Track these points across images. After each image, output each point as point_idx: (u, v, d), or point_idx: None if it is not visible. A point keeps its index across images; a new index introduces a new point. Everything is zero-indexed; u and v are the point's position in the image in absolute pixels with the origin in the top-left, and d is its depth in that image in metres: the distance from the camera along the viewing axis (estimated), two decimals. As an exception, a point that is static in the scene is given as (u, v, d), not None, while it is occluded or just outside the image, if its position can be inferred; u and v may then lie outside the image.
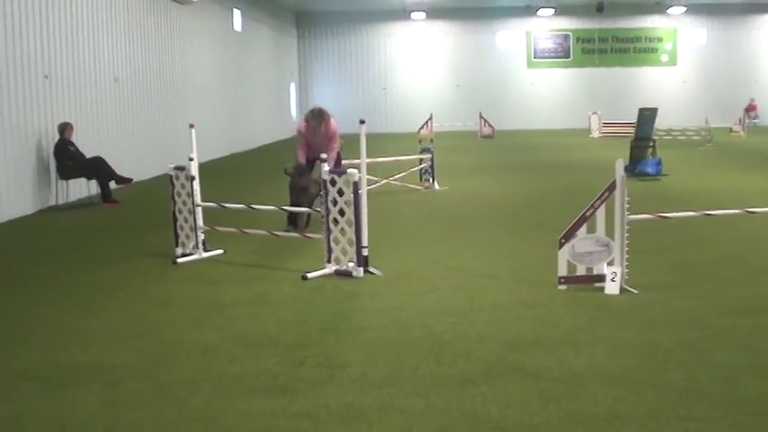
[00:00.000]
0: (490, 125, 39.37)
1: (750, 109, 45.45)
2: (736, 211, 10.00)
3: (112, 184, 16.50)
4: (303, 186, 12.10)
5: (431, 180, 18.21)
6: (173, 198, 10.56)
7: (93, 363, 6.42)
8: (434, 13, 45.55)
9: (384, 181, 17.38)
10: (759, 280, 8.95)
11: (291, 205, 11.81)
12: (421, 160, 18.40)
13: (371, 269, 9.35)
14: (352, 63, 46.99)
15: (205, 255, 10.49)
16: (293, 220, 12.17)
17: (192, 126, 10.86)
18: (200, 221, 10.48)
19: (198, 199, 10.44)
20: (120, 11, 20.09)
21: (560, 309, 7.80)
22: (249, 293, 8.61)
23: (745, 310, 7.70)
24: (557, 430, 5.05)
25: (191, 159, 10.37)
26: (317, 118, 12.42)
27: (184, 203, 10.45)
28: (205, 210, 10.67)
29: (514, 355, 6.42)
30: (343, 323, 7.40)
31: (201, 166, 11.06)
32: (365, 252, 9.29)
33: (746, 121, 40.45)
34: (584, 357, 6.34)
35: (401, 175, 17.97)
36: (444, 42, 46.90)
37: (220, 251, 10.71)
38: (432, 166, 18.22)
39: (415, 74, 46.89)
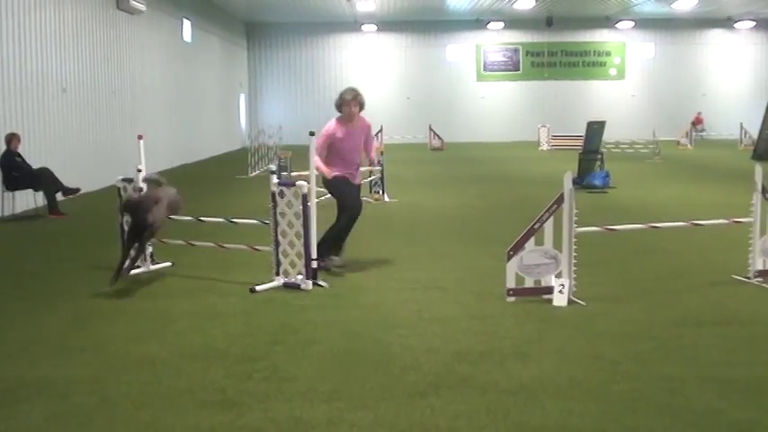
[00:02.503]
0: (440, 138, 39.48)
1: (697, 122, 46.02)
2: (683, 223, 10.14)
3: (59, 196, 16.32)
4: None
5: (381, 192, 18.23)
6: (120, 210, 10.47)
7: (39, 377, 6.34)
8: (385, 26, 45.66)
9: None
10: (704, 292, 9.06)
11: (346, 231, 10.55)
12: (371, 172, 18.40)
13: (320, 282, 9.34)
14: (302, 74, 46.92)
15: (153, 267, 10.41)
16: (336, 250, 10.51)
17: (140, 137, 10.79)
18: (147, 233, 10.39)
19: (146, 211, 10.35)
20: (68, 21, 19.91)
21: (509, 321, 7.85)
22: (197, 306, 8.56)
23: (690, 322, 7.80)
24: (504, 442, 5.08)
25: (139, 171, 10.31)
26: (353, 97, 10.57)
27: (132, 215, 10.36)
28: (153, 222, 10.59)
29: (463, 368, 6.45)
30: (291, 336, 7.38)
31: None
32: (314, 265, 9.28)
33: (693, 134, 40.99)
34: (532, 369, 6.38)
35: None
36: (395, 55, 46.99)
37: (168, 263, 10.64)
38: (381, 179, 18.24)
39: (365, 86, 46.49)
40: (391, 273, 10.23)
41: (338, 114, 10.74)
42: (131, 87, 24.91)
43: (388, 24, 45.49)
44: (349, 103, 10.57)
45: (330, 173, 10.48)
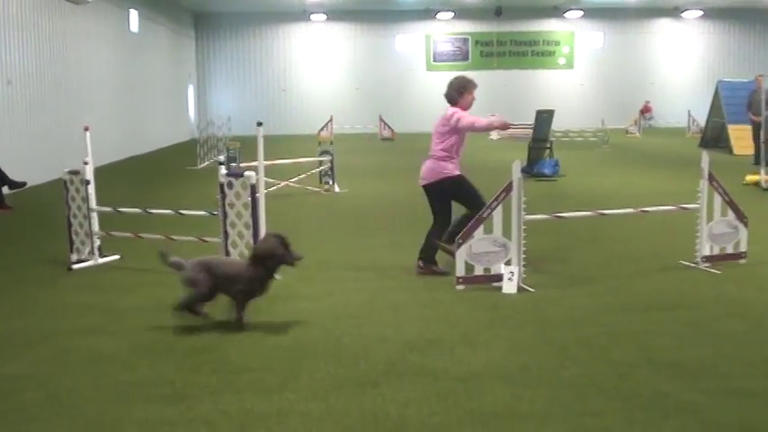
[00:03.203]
0: (390, 127, 39.49)
1: (645, 111, 46.42)
2: (631, 210, 10.22)
3: (5, 190, 16.12)
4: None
5: (331, 182, 18.21)
6: (67, 203, 10.36)
7: (-17, 372, 6.28)
8: (334, 15, 45.54)
9: (283, 183, 17.32)
10: (652, 277, 9.17)
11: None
12: (321, 162, 18.39)
13: (270, 272, 9.31)
14: (251, 64, 46.69)
15: (101, 260, 10.33)
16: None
17: (86, 129, 10.66)
18: (95, 227, 10.30)
19: (93, 204, 10.26)
20: (12, 11, 19.63)
21: (459, 308, 7.89)
22: (146, 299, 8.50)
23: (638, 307, 7.89)
24: (456, 429, 5.10)
25: (85, 163, 10.19)
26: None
27: (79, 208, 10.27)
28: (101, 214, 10.49)
29: (414, 356, 6.47)
30: (240, 328, 7.36)
31: (97, 170, 10.88)
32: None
33: (642, 122, 41.37)
34: (482, 356, 6.43)
35: (300, 177, 17.93)
36: (344, 44, 46.90)
37: (116, 256, 10.56)
38: (332, 169, 18.22)
39: (314, 76, 46.79)
40: (342, 263, 10.23)
41: (453, 106, 10.17)
42: (78, 79, 24.62)
43: (338, 14, 45.38)
44: (472, 92, 10.27)
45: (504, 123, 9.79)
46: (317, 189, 17.88)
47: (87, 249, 10.31)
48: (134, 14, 31.59)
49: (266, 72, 46.65)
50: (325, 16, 45.56)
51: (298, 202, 16.30)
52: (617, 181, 19.33)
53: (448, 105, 10.18)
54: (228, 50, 46.53)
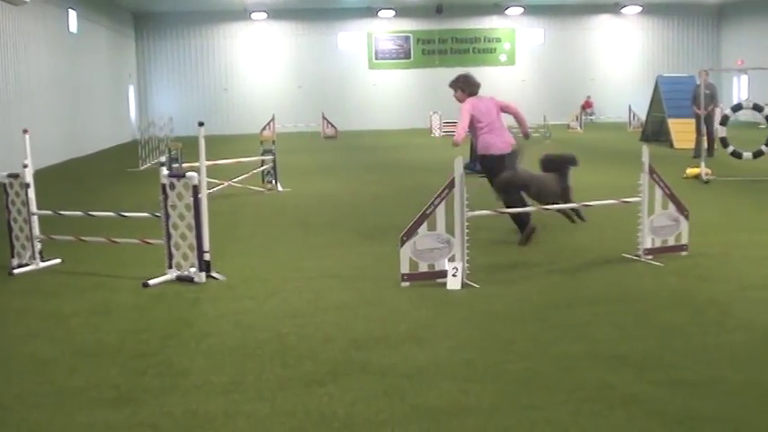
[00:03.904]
0: (333, 126, 39.47)
1: (586, 106, 46.82)
2: (573, 204, 10.31)
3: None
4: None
5: (273, 182, 18.15)
6: (7, 207, 10.23)
7: None
8: (276, 14, 45.36)
9: (226, 183, 17.24)
10: (596, 271, 9.28)
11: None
12: (263, 162, 18.33)
13: (214, 274, 9.27)
14: (192, 64, 46.37)
15: (42, 265, 10.20)
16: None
17: (25, 131, 10.54)
18: (36, 230, 10.18)
19: (33, 207, 10.14)
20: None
21: (404, 305, 7.92)
22: (89, 303, 8.42)
23: (582, 300, 7.98)
24: (403, 425, 5.12)
25: (25, 166, 10.07)
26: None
27: (19, 212, 10.13)
28: (41, 218, 10.38)
29: (360, 354, 6.49)
30: (185, 330, 7.32)
31: (37, 173, 10.76)
32: (207, 257, 9.21)
33: (583, 117, 41.70)
34: (427, 352, 6.46)
35: (243, 177, 17.85)
36: (286, 43, 46.73)
37: (58, 260, 10.43)
38: (274, 168, 18.16)
39: (256, 75, 46.58)
40: (286, 262, 10.21)
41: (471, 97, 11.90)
42: (16, 80, 24.28)
43: (279, 12, 45.21)
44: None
45: None
46: (260, 189, 17.82)
47: (28, 254, 10.17)
48: (73, 15, 31.22)
49: (208, 72, 46.37)
50: (266, 15, 45.35)
51: (241, 202, 16.24)
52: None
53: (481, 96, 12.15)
54: (169, 50, 46.18)
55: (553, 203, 10.45)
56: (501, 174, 10.81)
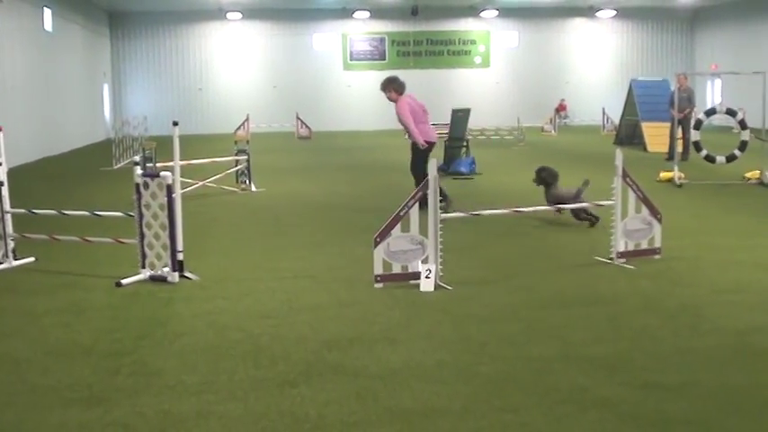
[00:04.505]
0: (307, 126, 39.39)
1: (560, 109, 47.00)
2: (547, 207, 10.35)
3: None
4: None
5: (247, 182, 18.12)
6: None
7: None
8: (251, 14, 45.26)
9: (200, 183, 17.19)
10: (569, 273, 9.31)
11: None
12: (237, 162, 18.29)
13: (187, 274, 9.25)
14: (167, 64, 46.19)
15: (15, 263, 10.14)
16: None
17: (-2, 129, 10.49)
18: (9, 229, 10.12)
19: (7, 206, 10.09)
20: None
21: (377, 307, 7.92)
22: (62, 302, 8.39)
23: (556, 303, 8.01)
24: (375, 427, 5.13)
25: (-2, 164, 10.04)
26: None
27: (-8, 210, 10.10)
28: (15, 217, 10.32)
29: (333, 355, 6.49)
30: (158, 330, 7.30)
31: (10, 171, 10.71)
32: (180, 257, 9.18)
33: (557, 120, 41.86)
34: (400, 354, 6.47)
35: (217, 177, 17.80)
36: (261, 43, 46.64)
37: (32, 259, 10.38)
38: (248, 168, 18.13)
39: (231, 74, 46.46)
40: (260, 263, 10.19)
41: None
42: (-11, 78, 24.16)
43: (254, 12, 45.11)
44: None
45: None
46: (234, 189, 17.78)
47: (1, 252, 10.11)
48: (48, 13, 31.04)
49: (182, 71, 46.22)
50: (240, 15, 45.24)
51: (214, 201, 16.20)
52: (533, 178, 19.50)
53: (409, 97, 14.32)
54: (144, 50, 45.98)
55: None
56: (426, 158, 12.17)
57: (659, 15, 48.27)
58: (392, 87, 14.01)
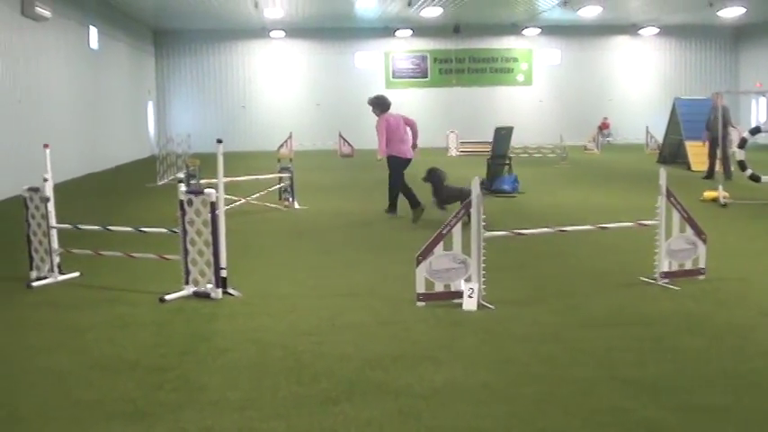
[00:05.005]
0: (350, 144, 39.50)
1: (603, 127, 46.79)
2: (590, 227, 10.29)
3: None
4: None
5: (290, 199, 18.19)
6: (27, 220, 10.27)
7: (-60, 392, 6.20)
8: (294, 33, 45.50)
9: (243, 200, 17.28)
10: (612, 294, 9.23)
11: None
12: (280, 179, 18.36)
13: (230, 290, 9.28)
14: (210, 81, 46.53)
15: (61, 278, 10.24)
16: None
17: (46, 146, 10.59)
18: (55, 244, 10.22)
19: (53, 221, 10.19)
20: (-31, 27, 19.49)
21: (419, 326, 7.90)
22: (106, 317, 8.44)
23: (599, 323, 7.94)
24: (417, 446, 5.11)
25: (45, 180, 10.12)
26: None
27: (39, 225, 10.18)
28: (60, 232, 10.41)
29: (375, 373, 6.47)
30: (201, 345, 7.33)
31: (56, 187, 10.79)
32: (223, 273, 9.22)
33: (600, 138, 41.67)
34: (443, 373, 6.43)
35: (260, 194, 17.89)
36: (304, 61, 46.86)
37: (76, 274, 10.46)
38: (291, 185, 18.20)
39: (274, 92, 46.71)
40: (302, 280, 10.21)
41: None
42: (37, 95, 24.40)
43: (297, 31, 45.35)
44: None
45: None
46: (277, 206, 17.85)
47: (47, 267, 10.21)
48: (93, 31, 31.39)
49: (226, 89, 46.53)
50: (284, 33, 45.50)
51: (258, 219, 16.27)
52: (576, 197, 19.45)
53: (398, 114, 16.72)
54: (188, 67, 46.36)
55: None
56: (400, 172, 15.80)
57: (702, 33, 47.95)
58: (377, 105, 16.39)
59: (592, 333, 7.59)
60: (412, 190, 15.75)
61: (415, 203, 15.57)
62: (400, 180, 15.92)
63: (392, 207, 16.25)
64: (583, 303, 8.80)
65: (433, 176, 15.34)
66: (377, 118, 16.17)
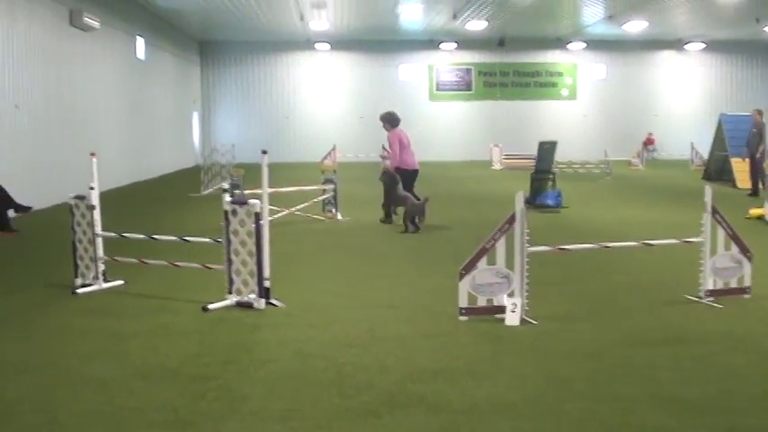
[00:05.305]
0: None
1: (648, 143, 46.53)
2: (634, 243, 10.22)
3: (11, 213, 16.12)
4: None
5: (333, 210, 18.24)
6: (72, 228, 10.39)
7: (-15, 397, 6.26)
8: (339, 45, 45.68)
9: (287, 211, 17.35)
10: (656, 311, 9.14)
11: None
12: (324, 190, 18.42)
13: (273, 301, 9.31)
14: (255, 92, 46.79)
15: (105, 285, 10.33)
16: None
17: (93, 155, 10.70)
18: (100, 252, 10.32)
19: (98, 229, 10.30)
20: (20, 36, 19.73)
21: (462, 340, 7.88)
22: (149, 325, 8.50)
23: (643, 341, 7.86)
24: (458, 461, 5.09)
25: (91, 188, 10.22)
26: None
27: (84, 233, 10.30)
28: (105, 240, 10.52)
29: (417, 387, 6.46)
30: (244, 355, 7.35)
31: (102, 195, 10.90)
32: (267, 283, 9.25)
33: (645, 154, 41.41)
34: (485, 388, 6.41)
35: (304, 205, 17.96)
36: (348, 74, 47.01)
37: (121, 282, 10.56)
38: (335, 197, 18.25)
39: (318, 104, 46.89)
40: (344, 291, 10.22)
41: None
42: (84, 104, 24.70)
43: (342, 43, 45.53)
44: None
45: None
46: (321, 217, 17.90)
47: (92, 274, 10.32)
48: (140, 42, 31.74)
49: (270, 100, 46.77)
50: (329, 45, 45.71)
51: (301, 229, 16.33)
52: (620, 213, 19.33)
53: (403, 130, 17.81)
54: (233, 78, 46.64)
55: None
56: (407, 183, 16.79)
57: (749, 48, 47.57)
58: (386, 120, 17.78)
59: (635, 351, 7.53)
60: (395, 208, 17.23)
61: (387, 216, 17.29)
62: (403, 189, 16.70)
63: (408, 222, 16.67)
64: (626, 321, 8.73)
65: (387, 177, 16.71)
66: (387, 133, 17.75)
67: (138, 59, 31.55)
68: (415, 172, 17.58)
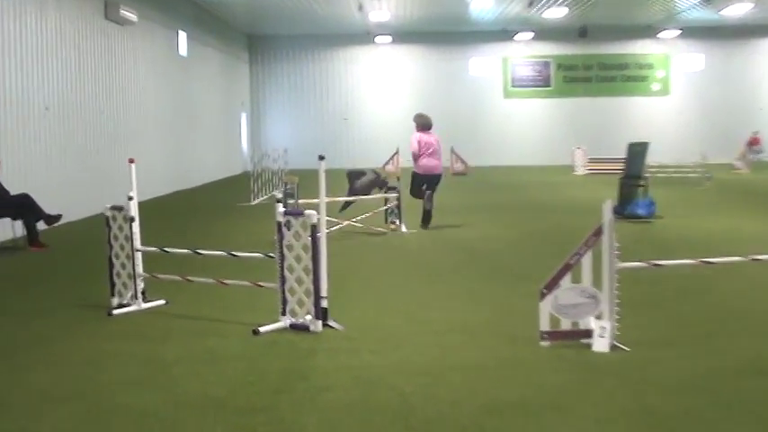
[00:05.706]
0: (463, 161, 39.51)
1: (753, 143, 45.85)
2: (740, 258, 10.05)
3: (41, 225, 16.29)
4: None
5: (397, 222, 18.23)
6: (109, 242, 10.46)
7: (15, 429, 6.31)
8: (401, 37, 45.77)
9: (345, 223, 17.38)
10: (766, 337, 8.98)
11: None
12: (386, 200, 18.41)
13: (331, 323, 9.30)
14: (310, 91, 47.04)
15: (145, 306, 10.39)
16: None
17: (131, 161, 10.77)
18: (139, 268, 10.39)
19: (137, 243, 10.36)
20: (51, 33, 19.98)
21: (543, 368, 7.80)
22: (194, 350, 8.54)
23: (751, 371, 7.71)
24: (541, 507, 5.02)
25: (130, 198, 10.29)
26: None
27: (122, 248, 10.36)
28: (145, 255, 10.59)
29: (492, 421, 6.40)
30: (298, 384, 7.34)
31: (142, 206, 10.99)
32: (324, 303, 9.25)
33: (750, 156, 40.88)
34: (570, 424, 6.33)
35: (364, 216, 17.97)
36: (412, 69, 47.08)
37: (162, 301, 10.63)
38: (398, 207, 18.24)
39: (379, 104, 47.01)
40: (410, 313, 10.19)
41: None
42: (122, 105, 25.02)
43: (405, 36, 45.62)
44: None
45: None
46: (383, 229, 17.90)
47: (130, 293, 10.38)
48: (183, 36, 32.02)
49: (326, 99, 47.00)
50: (390, 38, 45.81)
51: (362, 243, 16.35)
52: (723, 224, 19.09)
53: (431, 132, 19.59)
54: (285, 75, 46.94)
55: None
56: (430, 185, 18.63)
57: None
58: (415, 123, 19.91)
59: (743, 382, 7.38)
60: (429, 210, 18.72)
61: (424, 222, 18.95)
62: (415, 193, 18.87)
63: (423, 220, 18.83)
64: (731, 347, 8.57)
65: (350, 174, 18.98)
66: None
67: (179, 56, 31.84)
68: (429, 176, 18.77)
